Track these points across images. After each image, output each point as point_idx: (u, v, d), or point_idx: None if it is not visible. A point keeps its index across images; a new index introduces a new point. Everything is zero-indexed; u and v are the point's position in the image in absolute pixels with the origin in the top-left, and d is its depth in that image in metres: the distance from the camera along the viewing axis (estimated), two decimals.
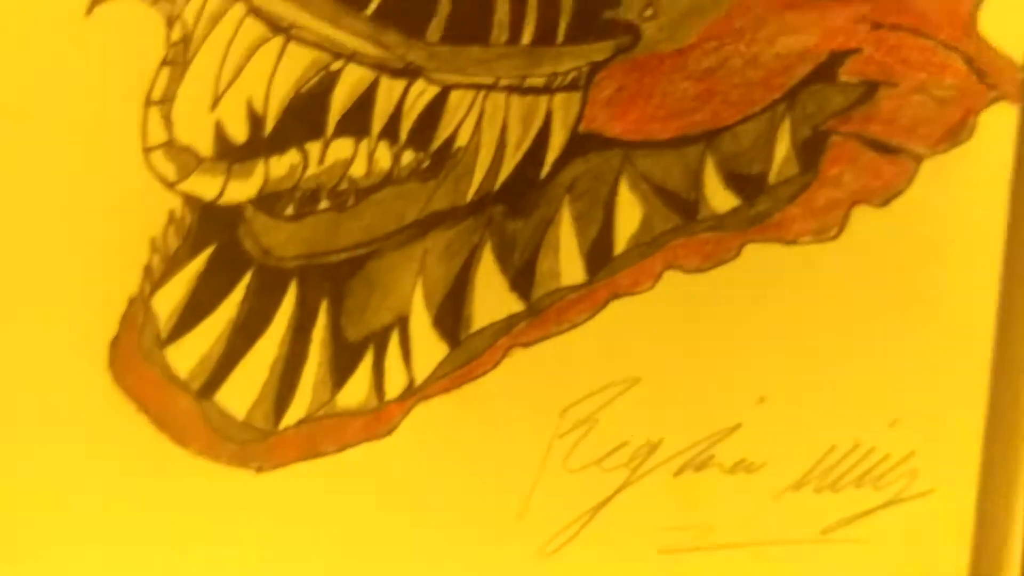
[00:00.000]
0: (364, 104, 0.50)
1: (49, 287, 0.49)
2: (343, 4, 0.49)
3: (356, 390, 0.51)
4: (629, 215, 0.50)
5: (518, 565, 0.51)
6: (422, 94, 0.50)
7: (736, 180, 0.50)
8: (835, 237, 0.50)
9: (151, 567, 0.51)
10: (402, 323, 0.50)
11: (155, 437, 0.50)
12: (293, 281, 0.50)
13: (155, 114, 0.48)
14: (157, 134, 0.48)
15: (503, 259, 0.50)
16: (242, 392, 0.50)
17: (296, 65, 0.50)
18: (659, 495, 0.51)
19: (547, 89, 0.50)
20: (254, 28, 0.49)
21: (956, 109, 0.50)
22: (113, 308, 0.50)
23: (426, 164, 0.50)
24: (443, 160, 0.50)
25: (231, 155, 0.49)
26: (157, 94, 0.48)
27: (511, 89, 0.50)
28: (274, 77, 0.49)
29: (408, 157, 0.50)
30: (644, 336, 0.51)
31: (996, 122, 0.50)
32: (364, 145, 0.50)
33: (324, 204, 0.50)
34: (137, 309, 0.50)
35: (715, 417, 0.51)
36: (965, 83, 0.49)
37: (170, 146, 0.50)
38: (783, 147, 0.50)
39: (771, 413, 0.50)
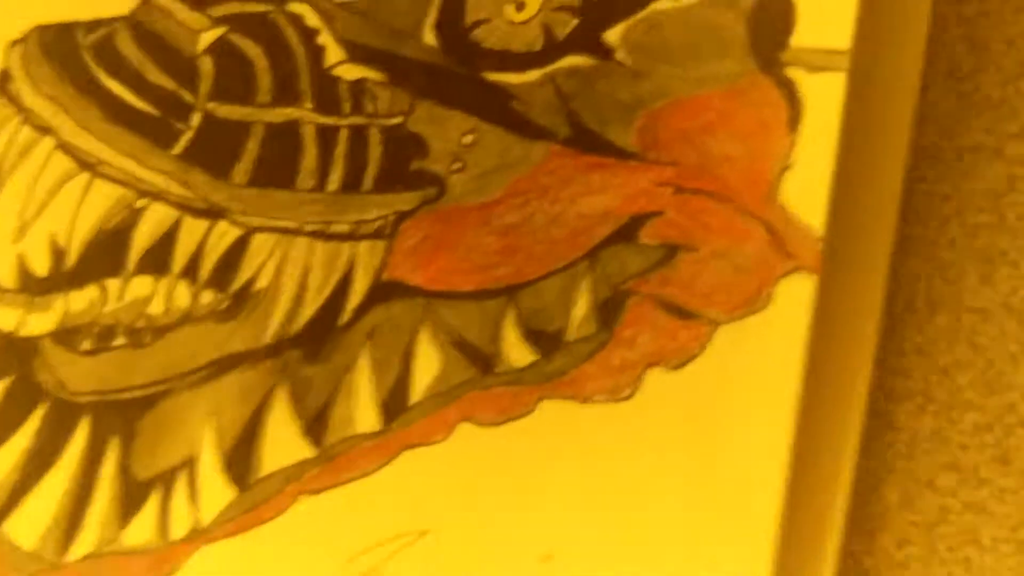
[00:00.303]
0: (166, 243, 0.50)
1: None
2: (150, 143, 0.50)
3: (142, 529, 0.50)
4: (427, 365, 0.50)
5: None
6: (224, 235, 0.50)
7: (535, 336, 0.50)
8: (628, 397, 0.50)
9: None
10: (191, 464, 0.50)
11: None
12: (86, 416, 0.50)
13: None
14: None
15: (297, 404, 0.50)
16: (32, 522, 0.50)
17: (102, 201, 0.50)
18: None
19: (352, 236, 0.50)
20: (62, 162, 0.50)
21: (754, 277, 0.50)
22: None
23: (225, 305, 0.50)
24: (242, 302, 0.50)
25: (32, 288, 0.49)
26: None
27: (315, 235, 0.50)
28: (79, 212, 0.49)
29: (207, 297, 0.50)
30: (435, 488, 0.50)
31: (794, 291, 0.50)
32: (164, 283, 0.50)
33: (120, 340, 0.50)
34: None
35: (501, 574, 0.50)
36: (765, 252, 0.50)
37: None
38: (583, 305, 0.50)
39: (556, 572, 0.50)
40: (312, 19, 0.50)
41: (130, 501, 0.51)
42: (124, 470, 0.50)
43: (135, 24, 0.50)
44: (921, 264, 0.51)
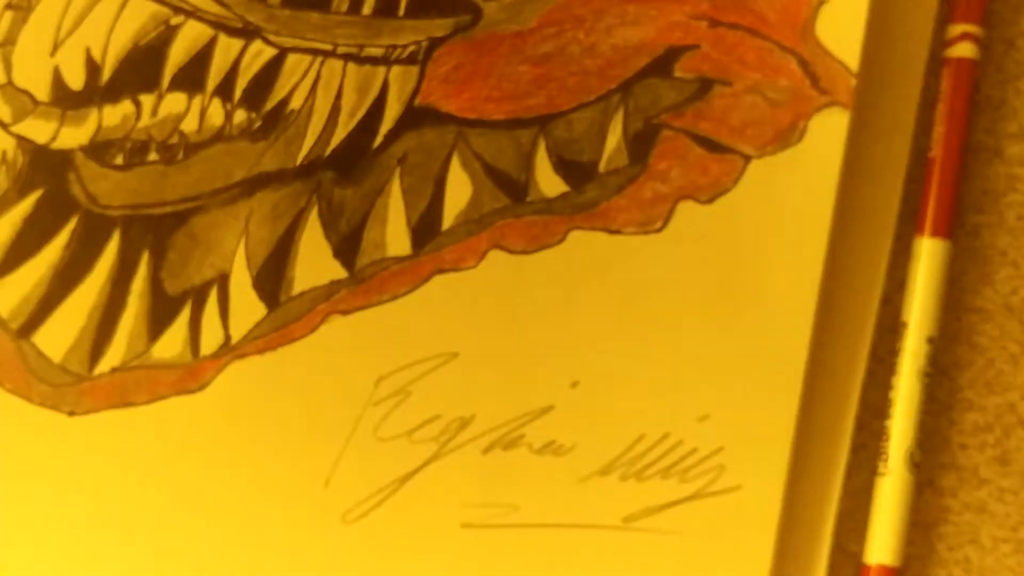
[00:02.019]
0: (201, 61, 0.50)
1: None
2: None
3: (171, 343, 0.50)
4: (459, 192, 0.50)
5: (320, 531, 0.50)
6: (259, 55, 0.50)
7: (566, 166, 0.50)
8: (659, 230, 0.50)
9: None
10: (222, 281, 0.50)
11: None
12: (117, 230, 0.49)
13: None
14: None
15: (329, 225, 0.49)
16: (60, 335, 0.50)
17: (137, 17, 0.50)
18: (466, 471, 0.50)
19: (385, 60, 0.50)
20: None
21: (787, 112, 0.49)
22: None
23: (258, 124, 0.50)
24: (275, 122, 0.50)
25: (66, 101, 0.49)
26: None
27: (348, 57, 0.50)
28: (115, 27, 0.49)
29: (240, 116, 0.50)
30: (464, 312, 0.51)
31: (826, 128, 0.50)
32: (197, 101, 0.50)
33: (153, 156, 0.50)
34: None
35: (528, 398, 0.50)
36: (799, 87, 0.49)
37: (7, 88, 0.49)
38: (615, 138, 0.49)
39: (583, 398, 0.50)
40: None
41: (160, 315, 0.51)
42: (155, 284, 0.50)
43: None
44: None
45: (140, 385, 0.51)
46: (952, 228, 0.53)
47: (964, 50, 0.52)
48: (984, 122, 0.54)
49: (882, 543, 0.52)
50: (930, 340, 0.52)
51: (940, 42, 0.54)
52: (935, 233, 0.52)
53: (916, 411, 0.52)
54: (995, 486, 0.53)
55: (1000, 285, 0.53)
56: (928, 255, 0.52)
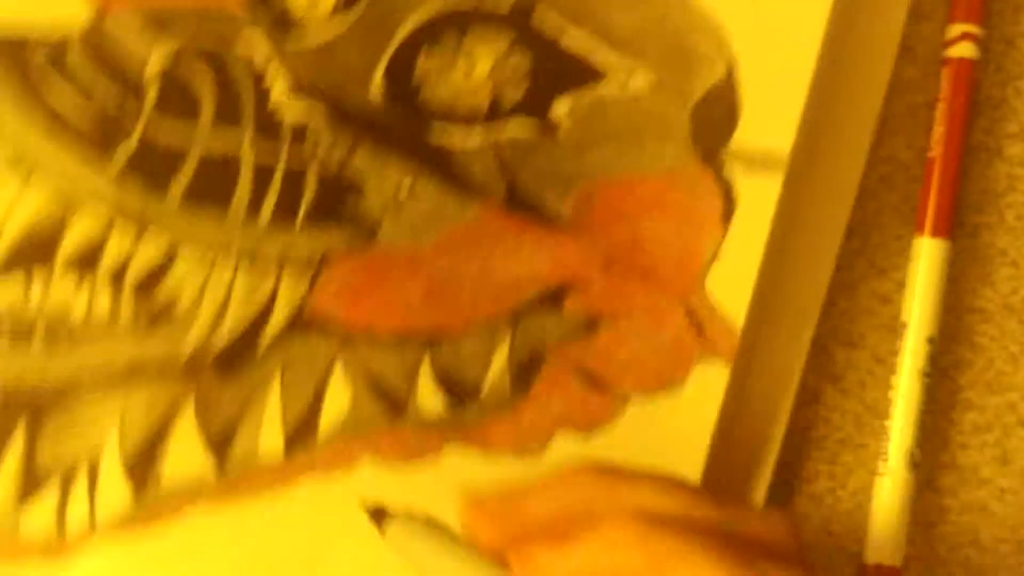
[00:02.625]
0: (94, 249, 0.49)
1: None
2: (94, 148, 0.50)
3: (39, 517, 0.51)
4: (338, 401, 0.51)
5: None
6: (152, 250, 0.50)
7: (449, 386, 0.50)
8: (535, 455, 0.49)
9: None
10: (93, 464, 0.50)
11: None
12: None
13: None
14: None
15: (203, 422, 0.49)
16: None
17: (38, 198, 0.49)
18: None
19: (277, 267, 0.50)
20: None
21: (670, 359, 0.50)
22: None
23: (143, 318, 0.50)
24: (162, 317, 0.50)
25: None
26: None
27: (241, 260, 0.49)
28: (12, 211, 0.49)
29: (128, 308, 0.50)
30: (332, 519, 0.51)
31: (706, 379, 0.51)
32: (86, 288, 0.49)
33: (38, 338, 0.49)
34: None
35: None
36: (683, 336, 0.50)
37: None
38: (499, 363, 0.50)
39: None
40: (262, 54, 0.50)
41: (30, 489, 0.50)
42: (28, 458, 0.50)
43: (87, 44, 0.50)
44: None
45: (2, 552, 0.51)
46: (952, 228, 0.54)
47: (964, 50, 0.53)
48: (984, 122, 0.55)
49: (882, 543, 0.53)
50: (930, 340, 0.53)
51: (940, 42, 0.55)
52: (935, 233, 0.53)
53: (916, 411, 0.53)
54: (995, 486, 0.53)
55: (1000, 285, 0.54)
56: (928, 255, 0.53)
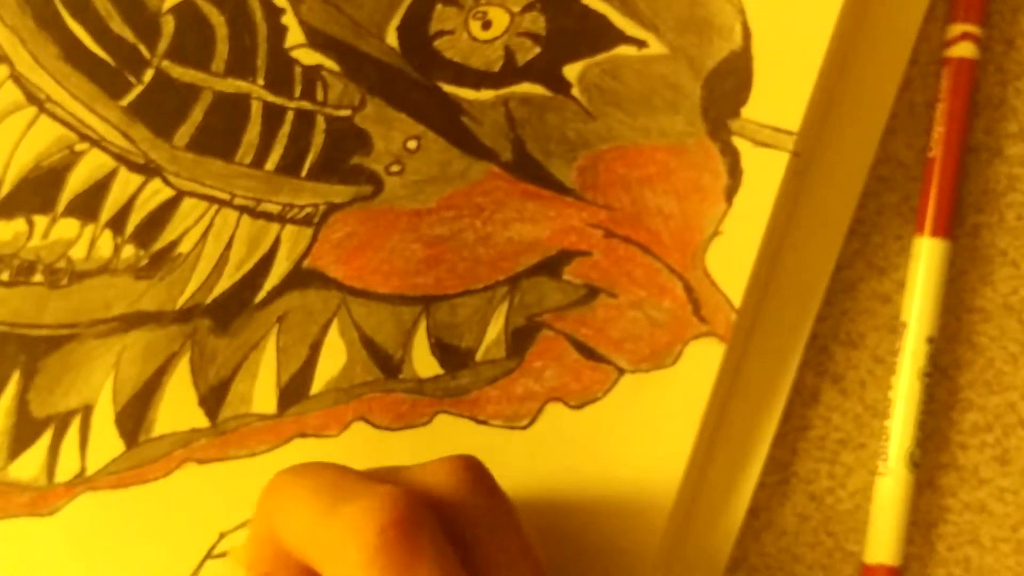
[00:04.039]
0: (98, 190, 0.50)
1: None
2: (101, 90, 0.49)
3: (29, 465, 0.49)
4: (332, 359, 0.50)
5: None
6: (156, 194, 0.50)
7: (443, 349, 0.50)
8: (525, 428, 0.49)
9: None
10: (86, 412, 0.50)
11: None
12: None
13: None
14: None
15: (198, 373, 0.49)
16: None
17: (43, 138, 0.49)
18: None
19: (280, 218, 0.49)
20: (11, 93, 0.49)
21: (666, 333, 0.50)
22: None
23: (144, 262, 0.49)
24: (162, 262, 0.50)
25: None
26: None
27: (244, 209, 0.50)
28: (19, 145, 0.48)
29: (128, 251, 0.49)
30: None
31: (701, 356, 0.50)
32: (89, 230, 0.49)
33: (38, 277, 0.49)
34: None
35: None
36: (680, 311, 0.50)
37: None
38: (495, 329, 0.49)
39: None
40: None
41: (22, 436, 0.50)
42: (21, 404, 0.49)
43: None
44: None
45: None
46: (952, 228, 0.54)
47: (964, 50, 0.53)
48: (984, 122, 0.55)
49: (882, 543, 0.53)
50: (930, 340, 0.53)
51: (940, 42, 0.55)
52: (935, 233, 0.54)
53: (916, 411, 0.53)
54: (995, 486, 0.53)
55: (1000, 285, 0.54)
56: (928, 255, 0.54)
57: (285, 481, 0.44)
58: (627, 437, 0.51)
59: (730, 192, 0.51)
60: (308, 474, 0.44)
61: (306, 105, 0.52)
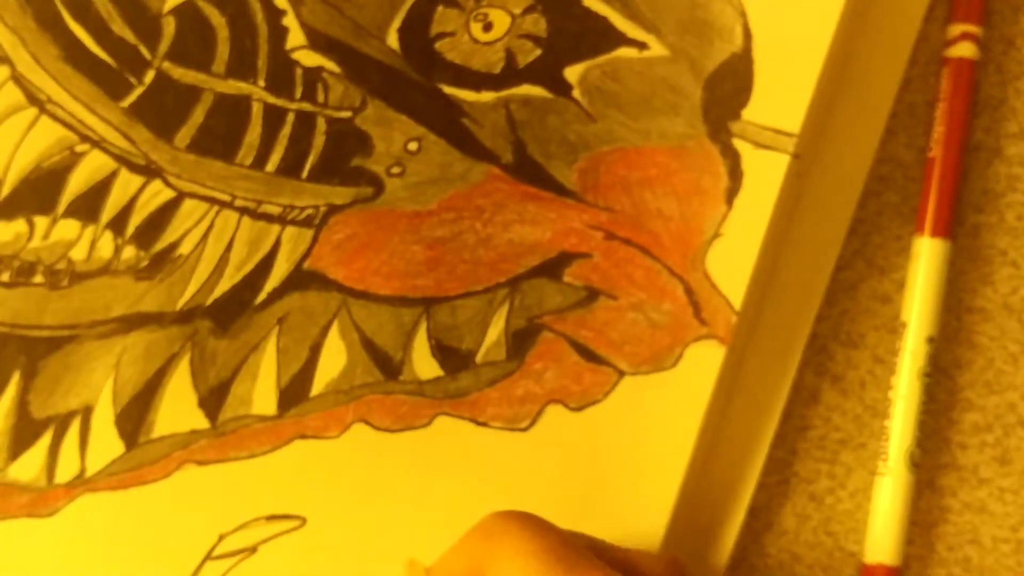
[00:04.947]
0: (99, 192, 0.50)
1: None
2: (101, 91, 0.49)
3: (28, 466, 0.49)
4: (333, 360, 0.50)
5: None
6: (157, 195, 0.50)
7: (444, 351, 0.50)
8: (525, 429, 0.49)
9: None
10: (86, 413, 0.49)
11: None
12: None
13: None
14: None
15: (198, 374, 0.49)
16: None
17: (43, 139, 0.49)
18: None
19: (280, 219, 0.49)
20: (12, 94, 0.49)
21: (666, 335, 0.49)
22: None
23: (145, 263, 0.49)
24: (162, 264, 0.50)
25: None
26: None
27: (245, 211, 0.49)
28: (20, 146, 0.48)
29: (129, 252, 0.49)
30: (320, 481, 0.49)
31: (701, 358, 0.50)
32: (90, 231, 0.49)
33: (39, 279, 0.49)
34: None
35: (367, 572, 0.49)
36: (681, 313, 0.49)
37: None
38: (496, 331, 0.49)
39: None
40: (281, 0, 0.49)
41: (22, 437, 0.49)
42: (21, 405, 0.49)
43: None
44: None
45: None
46: (952, 228, 0.54)
47: (964, 50, 0.53)
48: (984, 122, 0.55)
49: (882, 543, 0.53)
50: (930, 340, 0.53)
51: (940, 42, 0.55)
52: (935, 233, 0.54)
53: (916, 411, 0.53)
54: (995, 486, 0.53)
55: (1000, 285, 0.54)
56: (928, 255, 0.54)
57: (509, 531, 0.45)
58: (627, 439, 0.51)
59: (731, 194, 0.51)
60: (534, 534, 0.45)
61: (307, 107, 0.51)
